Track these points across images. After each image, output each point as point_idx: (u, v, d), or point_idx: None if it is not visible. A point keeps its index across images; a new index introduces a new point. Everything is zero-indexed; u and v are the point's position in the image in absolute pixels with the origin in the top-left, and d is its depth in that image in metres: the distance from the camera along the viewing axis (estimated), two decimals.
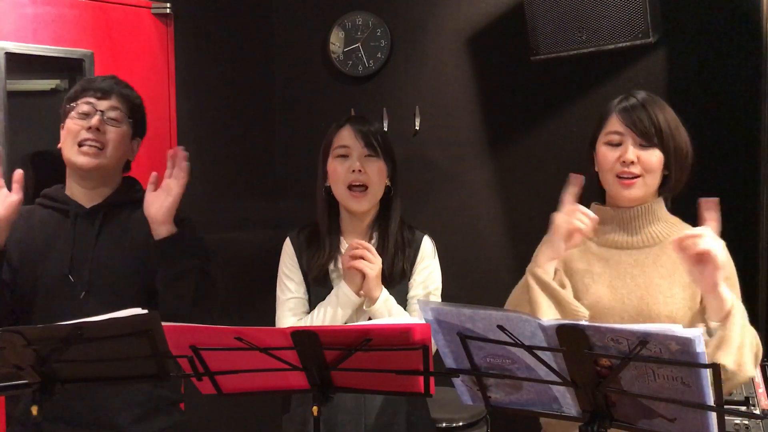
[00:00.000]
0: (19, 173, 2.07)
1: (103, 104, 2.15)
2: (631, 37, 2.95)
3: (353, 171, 2.19)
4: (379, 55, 3.67)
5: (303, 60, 3.81)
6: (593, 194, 2.17)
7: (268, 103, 3.85)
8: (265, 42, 3.83)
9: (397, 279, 2.21)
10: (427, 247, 2.27)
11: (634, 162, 1.98)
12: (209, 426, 2.26)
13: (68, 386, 2.02)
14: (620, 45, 2.99)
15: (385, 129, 3.62)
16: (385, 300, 2.14)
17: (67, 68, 2.95)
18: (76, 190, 2.20)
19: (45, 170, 2.92)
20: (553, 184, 3.40)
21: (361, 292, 2.14)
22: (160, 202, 2.07)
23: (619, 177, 2.00)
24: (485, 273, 3.57)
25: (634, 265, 2.02)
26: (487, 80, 3.55)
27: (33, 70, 2.95)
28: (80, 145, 2.13)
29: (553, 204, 3.58)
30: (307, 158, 3.74)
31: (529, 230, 3.42)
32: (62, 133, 2.19)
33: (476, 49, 3.55)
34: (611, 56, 3.14)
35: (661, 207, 2.06)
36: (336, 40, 3.72)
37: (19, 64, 2.77)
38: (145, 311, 1.67)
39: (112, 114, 2.16)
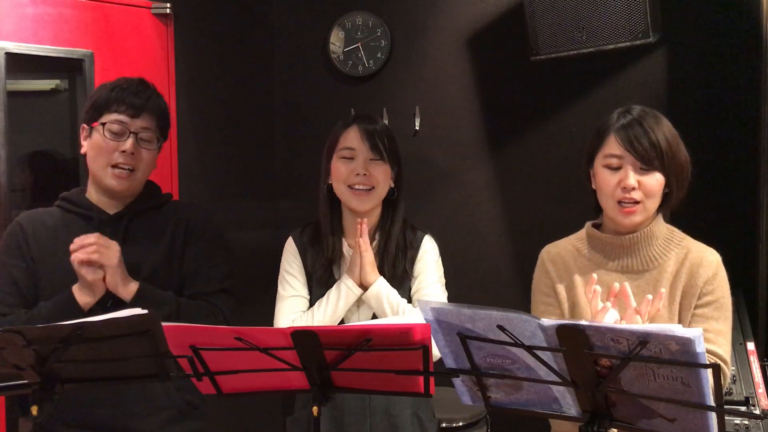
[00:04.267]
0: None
1: (135, 124, 2.09)
2: (631, 37, 2.95)
3: (357, 174, 2.17)
4: (379, 55, 3.66)
5: (303, 60, 3.81)
6: (590, 210, 2.17)
7: (268, 103, 3.85)
8: (265, 42, 3.83)
9: (398, 280, 2.20)
10: (427, 246, 2.26)
11: (635, 188, 1.94)
12: (211, 428, 2.26)
13: (92, 393, 2.06)
14: (620, 45, 2.99)
15: None
16: (379, 288, 2.14)
17: (67, 68, 2.95)
18: (98, 197, 2.15)
19: (45, 171, 2.93)
20: (553, 184, 3.43)
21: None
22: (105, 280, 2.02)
23: (619, 203, 1.97)
24: (485, 273, 3.57)
25: (636, 293, 1.96)
26: (487, 80, 3.55)
27: (33, 70, 2.94)
28: (112, 166, 2.08)
29: (553, 204, 3.59)
30: (307, 158, 3.76)
31: (529, 230, 3.46)
32: (87, 142, 2.12)
33: (476, 49, 3.55)
34: (611, 56, 3.14)
35: (659, 225, 2.04)
36: (336, 40, 3.72)
37: (19, 64, 2.77)
38: (145, 311, 1.67)
39: (145, 135, 2.11)
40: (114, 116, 2.08)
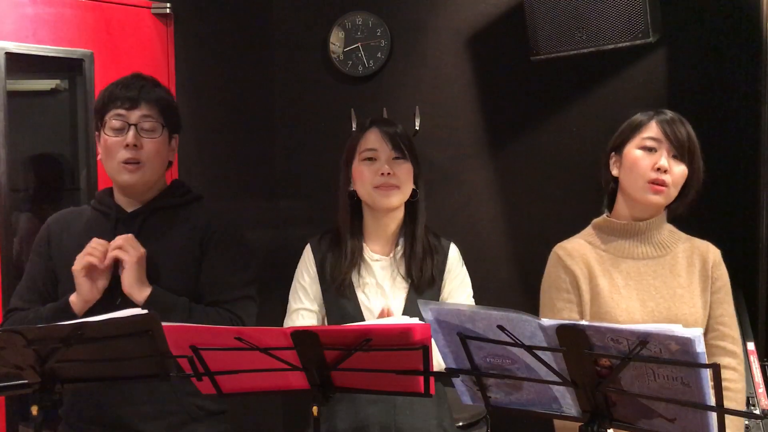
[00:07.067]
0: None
1: (133, 116, 2.09)
2: (631, 37, 2.95)
3: (382, 174, 2.14)
4: (379, 55, 3.67)
5: (303, 60, 3.81)
6: (590, 210, 2.21)
7: (268, 103, 3.85)
8: (265, 42, 3.83)
9: (425, 286, 2.17)
10: (454, 255, 2.24)
11: (668, 170, 2.06)
12: None
13: (94, 395, 2.08)
14: (620, 45, 2.99)
15: None
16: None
17: (67, 68, 2.96)
18: (119, 196, 2.18)
19: (45, 171, 2.93)
20: (553, 184, 3.44)
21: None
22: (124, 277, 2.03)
23: (651, 183, 2.07)
24: (485, 273, 3.57)
25: (654, 276, 2.10)
26: (487, 80, 3.54)
27: (33, 70, 2.95)
28: (122, 162, 2.09)
29: (553, 204, 3.59)
30: (307, 158, 3.76)
31: (529, 230, 3.46)
32: (99, 145, 2.16)
33: (476, 49, 3.55)
34: (611, 56, 3.14)
35: (664, 219, 2.17)
36: (336, 40, 3.72)
37: (19, 64, 2.77)
38: (145, 311, 1.67)
39: (146, 125, 2.10)
40: (112, 112, 2.10)
